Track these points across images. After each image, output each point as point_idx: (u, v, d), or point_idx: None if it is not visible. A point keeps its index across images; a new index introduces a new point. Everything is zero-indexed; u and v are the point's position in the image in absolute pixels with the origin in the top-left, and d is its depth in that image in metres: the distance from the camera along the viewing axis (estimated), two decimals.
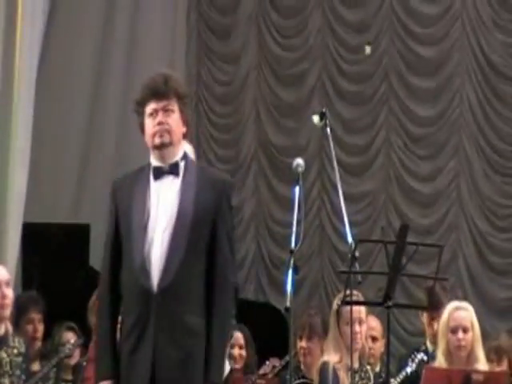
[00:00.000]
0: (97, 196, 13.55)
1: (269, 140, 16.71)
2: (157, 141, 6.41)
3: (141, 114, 6.53)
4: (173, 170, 6.53)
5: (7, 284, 8.52)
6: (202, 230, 6.41)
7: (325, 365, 8.12)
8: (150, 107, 6.43)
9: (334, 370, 8.08)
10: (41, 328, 9.71)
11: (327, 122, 8.62)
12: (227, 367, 8.30)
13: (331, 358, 8.18)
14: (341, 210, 7.88)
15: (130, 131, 13.21)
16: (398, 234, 7.78)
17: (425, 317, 9.34)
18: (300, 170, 7.14)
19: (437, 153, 15.61)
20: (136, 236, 6.48)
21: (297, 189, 7.09)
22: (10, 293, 8.44)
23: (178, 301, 6.43)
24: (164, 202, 6.49)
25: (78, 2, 14.83)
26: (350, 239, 7.50)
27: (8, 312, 8.46)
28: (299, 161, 7.33)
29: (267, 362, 10.92)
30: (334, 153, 8.63)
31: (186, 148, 6.77)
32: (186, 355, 6.42)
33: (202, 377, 6.39)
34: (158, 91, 6.47)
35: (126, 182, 6.76)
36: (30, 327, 9.56)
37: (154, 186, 6.52)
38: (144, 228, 6.43)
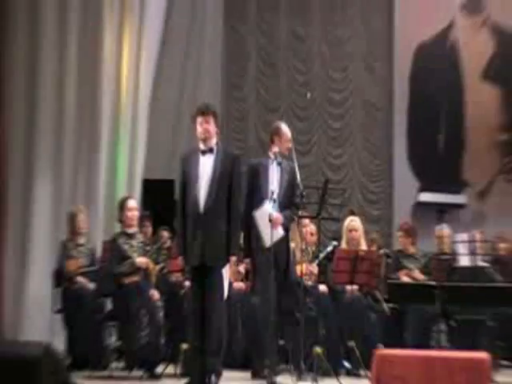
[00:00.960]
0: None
1: None
2: (202, 136, 9.00)
3: (194, 122, 9.06)
4: (210, 150, 9.11)
5: (137, 209, 10.45)
6: (224, 181, 9.03)
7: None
8: (199, 120, 8.98)
9: (293, 251, 10.52)
10: (150, 230, 12.07)
11: None
12: None
13: (292, 244, 10.43)
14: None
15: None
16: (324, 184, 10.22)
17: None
18: None
19: None
20: (193, 184, 9.05)
21: None
22: (137, 213, 10.37)
23: (212, 216, 8.95)
24: (205, 167, 9.12)
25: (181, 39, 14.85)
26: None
27: (136, 222, 10.29)
28: None
29: None
30: None
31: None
32: (214, 245, 8.89)
33: (226, 251, 8.94)
34: (203, 112, 9.03)
35: (188, 155, 9.30)
36: (144, 229, 11.65)
37: (202, 159, 9.13)
38: (196, 180, 9.07)
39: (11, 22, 11.72)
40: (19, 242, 11.60)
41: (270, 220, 9.39)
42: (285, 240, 9.79)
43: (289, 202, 9.81)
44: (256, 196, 9.88)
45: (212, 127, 9.09)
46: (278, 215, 9.53)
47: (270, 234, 9.36)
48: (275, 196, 9.76)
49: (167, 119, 14.21)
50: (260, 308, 9.75)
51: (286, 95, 15.02)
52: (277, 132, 10.07)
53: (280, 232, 9.61)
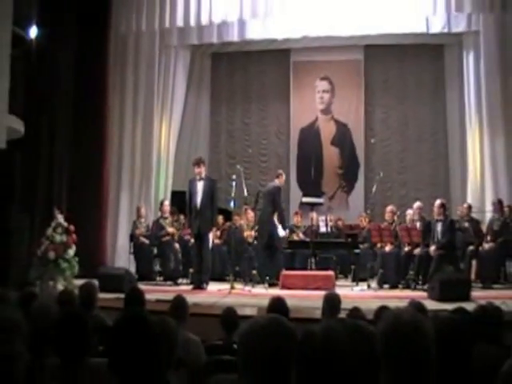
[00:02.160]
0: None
1: None
2: (197, 175, 9.16)
3: (194, 165, 9.35)
4: (201, 179, 9.19)
5: (168, 205, 10.75)
6: (208, 193, 9.14)
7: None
8: (196, 166, 9.24)
9: (244, 225, 10.94)
10: (175, 215, 11.20)
11: None
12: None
13: (242, 222, 10.93)
14: None
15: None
16: (257, 194, 10.97)
17: None
18: None
19: None
20: (194, 194, 9.17)
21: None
22: (168, 207, 10.73)
23: (203, 209, 9.08)
24: (200, 187, 9.19)
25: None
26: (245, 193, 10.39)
27: (168, 211, 10.68)
28: None
29: None
30: None
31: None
32: (204, 223, 9.12)
33: (210, 226, 9.33)
34: (198, 162, 9.26)
35: (192, 181, 9.30)
36: (173, 215, 11.05)
37: (198, 183, 9.18)
38: (195, 193, 9.17)
39: (110, 116, 11.49)
40: (113, 220, 11.37)
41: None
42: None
43: None
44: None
45: (202, 169, 9.16)
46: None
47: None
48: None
49: (182, 161, 13.44)
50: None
51: (239, 152, 14.51)
52: (280, 175, 10.05)
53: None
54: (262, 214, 10.15)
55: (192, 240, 9.98)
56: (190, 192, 9.39)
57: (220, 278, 10.46)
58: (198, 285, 9.15)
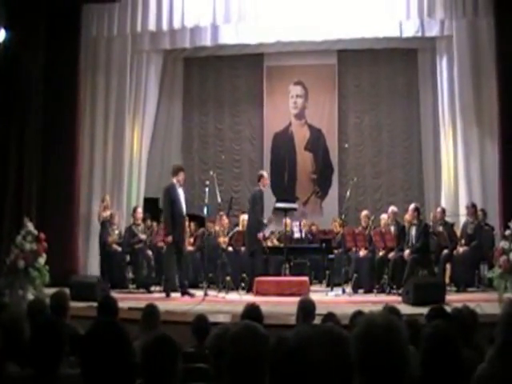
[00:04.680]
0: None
1: None
2: (177, 182, 9.23)
3: (177, 172, 9.33)
4: (181, 186, 9.33)
5: (141, 212, 10.79)
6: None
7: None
8: (182, 173, 9.30)
9: (218, 231, 10.96)
10: (148, 222, 11.33)
11: None
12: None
13: (217, 228, 10.97)
14: None
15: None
16: (230, 199, 11.00)
17: None
18: None
19: None
20: (178, 202, 9.19)
21: None
22: (141, 214, 10.71)
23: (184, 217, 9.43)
24: (181, 194, 9.29)
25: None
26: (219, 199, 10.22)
27: (140, 218, 10.66)
28: None
29: None
30: None
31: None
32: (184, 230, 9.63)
33: None
34: (180, 169, 9.40)
35: (172, 187, 9.28)
36: (146, 222, 11.17)
37: (179, 189, 9.26)
38: (179, 200, 9.21)
39: (81, 122, 11.32)
40: (85, 227, 11.24)
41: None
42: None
43: None
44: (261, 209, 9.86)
45: (182, 177, 9.39)
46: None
47: None
48: None
49: (155, 167, 13.53)
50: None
51: (211, 157, 14.51)
52: (261, 176, 9.98)
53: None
54: (248, 220, 10.26)
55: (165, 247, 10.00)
56: (172, 199, 9.32)
57: (193, 285, 10.43)
58: (186, 290, 9.27)
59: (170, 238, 9.26)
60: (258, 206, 9.89)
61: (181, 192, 9.38)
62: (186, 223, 11.04)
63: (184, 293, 9.28)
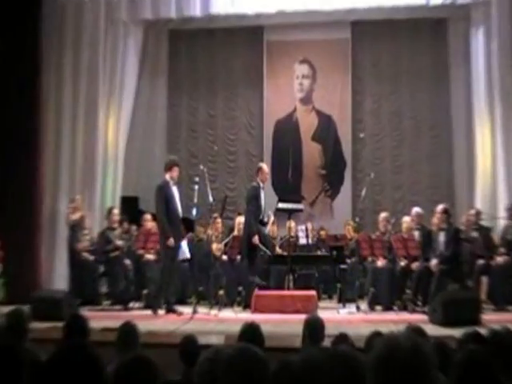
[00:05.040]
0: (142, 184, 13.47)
1: None
2: (176, 178, 9.39)
3: (171, 166, 9.37)
4: (175, 184, 9.41)
5: (118, 214, 10.72)
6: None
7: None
8: (177, 168, 9.39)
9: (211, 236, 12.02)
10: (126, 225, 11.41)
11: None
12: None
13: (210, 232, 11.19)
14: None
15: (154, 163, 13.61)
16: (224, 198, 10.83)
17: None
18: None
19: None
20: (173, 201, 9.26)
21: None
22: (118, 216, 10.68)
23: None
24: (176, 193, 9.34)
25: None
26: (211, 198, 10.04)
27: (117, 221, 10.64)
28: None
29: None
30: None
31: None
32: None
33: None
34: (176, 164, 9.41)
35: (165, 184, 9.34)
36: (123, 225, 11.21)
37: (173, 188, 9.35)
38: (174, 198, 9.27)
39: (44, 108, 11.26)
40: (50, 234, 11.17)
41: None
42: None
43: None
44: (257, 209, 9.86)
45: (177, 172, 9.51)
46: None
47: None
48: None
49: (134, 161, 13.63)
50: None
51: (202, 148, 14.51)
52: (259, 169, 9.98)
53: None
54: (244, 222, 10.37)
55: (147, 255, 10.15)
56: (167, 198, 9.32)
57: (180, 301, 10.41)
58: (172, 307, 9.34)
59: (171, 241, 9.22)
60: (252, 205, 9.92)
61: (175, 190, 9.44)
62: None
63: (169, 310, 9.26)
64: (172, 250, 9.27)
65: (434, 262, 9.36)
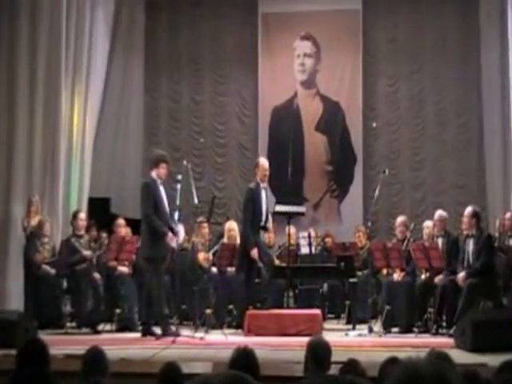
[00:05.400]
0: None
1: None
2: (159, 176, 9.29)
3: (158, 163, 9.34)
4: (163, 183, 9.35)
5: (85, 218, 10.69)
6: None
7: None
8: (165, 165, 9.34)
9: (197, 244, 11.62)
10: (94, 233, 11.42)
11: None
12: None
13: (196, 239, 11.09)
14: None
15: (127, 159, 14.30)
16: (211, 200, 10.59)
17: None
18: None
19: None
20: (162, 202, 9.26)
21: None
22: (85, 221, 10.59)
23: None
24: (163, 192, 9.33)
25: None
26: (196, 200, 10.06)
27: (83, 227, 10.56)
28: None
29: None
30: None
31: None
32: None
33: None
34: (164, 160, 9.41)
35: (153, 184, 9.33)
36: (90, 232, 11.18)
37: (161, 188, 9.33)
38: (163, 199, 9.29)
39: None
40: (1, 242, 11.00)
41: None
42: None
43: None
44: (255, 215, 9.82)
45: (165, 170, 9.49)
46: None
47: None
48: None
49: (104, 156, 13.74)
50: None
51: (186, 141, 14.61)
52: (256, 165, 10.09)
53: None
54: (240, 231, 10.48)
55: (119, 267, 10.14)
56: (154, 198, 9.33)
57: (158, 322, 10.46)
58: (150, 328, 9.31)
59: (170, 236, 9.29)
60: (248, 212, 9.93)
61: (163, 190, 9.46)
62: None
63: (146, 332, 9.24)
64: (161, 260, 9.31)
65: (461, 275, 9.30)
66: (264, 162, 10.34)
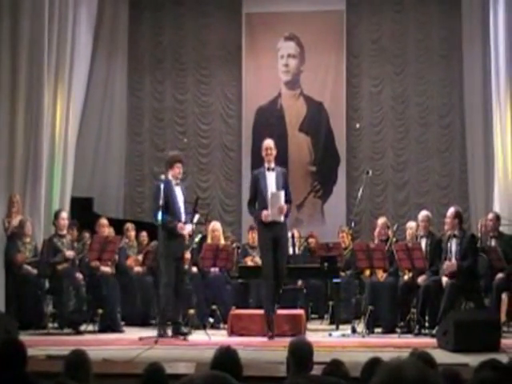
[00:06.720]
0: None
1: None
2: (179, 176, 9.39)
3: (173, 163, 9.36)
4: (179, 183, 9.35)
5: (67, 218, 10.43)
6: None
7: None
8: (180, 165, 9.36)
9: None
10: (75, 232, 11.40)
11: None
12: None
13: None
14: None
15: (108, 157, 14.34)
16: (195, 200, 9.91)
17: None
18: None
19: None
20: (177, 203, 9.27)
21: None
22: (67, 221, 10.37)
23: None
24: (179, 193, 9.41)
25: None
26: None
27: (66, 227, 10.32)
28: None
29: None
30: None
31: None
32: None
33: None
34: (179, 160, 9.44)
35: (168, 185, 9.19)
36: (72, 232, 11.10)
37: (176, 188, 9.37)
38: (177, 200, 9.35)
39: None
40: None
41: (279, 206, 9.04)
42: (284, 227, 9.38)
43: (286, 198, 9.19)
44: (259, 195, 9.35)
45: (181, 169, 9.55)
46: (285, 206, 9.10)
47: (273, 214, 8.98)
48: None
49: (87, 154, 13.76)
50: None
51: (169, 140, 14.63)
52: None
53: (281, 218, 9.12)
54: None
55: (102, 268, 10.06)
56: (168, 200, 9.24)
57: (143, 322, 10.42)
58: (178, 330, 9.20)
59: (181, 226, 9.23)
60: (249, 196, 9.55)
61: (179, 191, 9.42)
62: (132, 233, 11.24)
63: (177, 332, 9.20)
64: (173, 259, 9.24)
65: (451, 262, 9.31)
66: (265, 142, 9.66)
